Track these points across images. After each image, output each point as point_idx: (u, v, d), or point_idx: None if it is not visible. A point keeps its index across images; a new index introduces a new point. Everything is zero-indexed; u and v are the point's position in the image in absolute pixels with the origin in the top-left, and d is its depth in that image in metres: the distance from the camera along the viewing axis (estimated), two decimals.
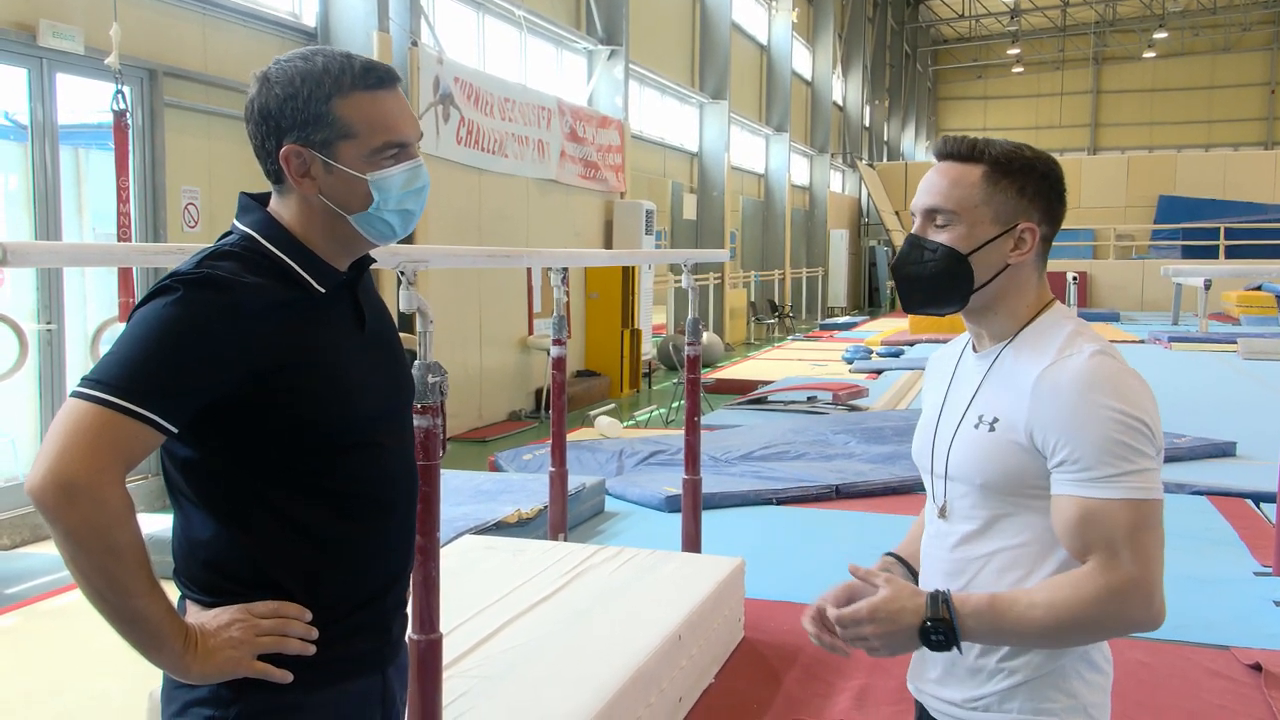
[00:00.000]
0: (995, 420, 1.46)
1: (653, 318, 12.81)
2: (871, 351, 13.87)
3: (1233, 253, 22.62)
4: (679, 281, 4.34)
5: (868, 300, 28.13)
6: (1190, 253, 23.20)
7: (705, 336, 11.15)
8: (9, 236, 5.60)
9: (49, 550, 5.29)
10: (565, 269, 3.97)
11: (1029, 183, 1.49)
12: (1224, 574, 4.64)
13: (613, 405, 10.42)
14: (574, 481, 5.32)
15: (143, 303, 1.33)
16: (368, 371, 1.47)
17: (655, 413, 10.18)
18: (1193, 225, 23.83)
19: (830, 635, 1.49)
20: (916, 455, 1.63)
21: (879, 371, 12.04)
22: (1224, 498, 5.93)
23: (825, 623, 1.50)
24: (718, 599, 3.59)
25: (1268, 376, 10.79)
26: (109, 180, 5.51)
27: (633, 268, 11.49)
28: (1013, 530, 1.47)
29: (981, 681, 1.50)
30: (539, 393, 10.19)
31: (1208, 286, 13.90)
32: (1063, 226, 1.57)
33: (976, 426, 1.49)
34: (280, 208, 1.46)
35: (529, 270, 9.64)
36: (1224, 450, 7.14)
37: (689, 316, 4.34)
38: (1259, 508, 5.79)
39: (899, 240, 25.84)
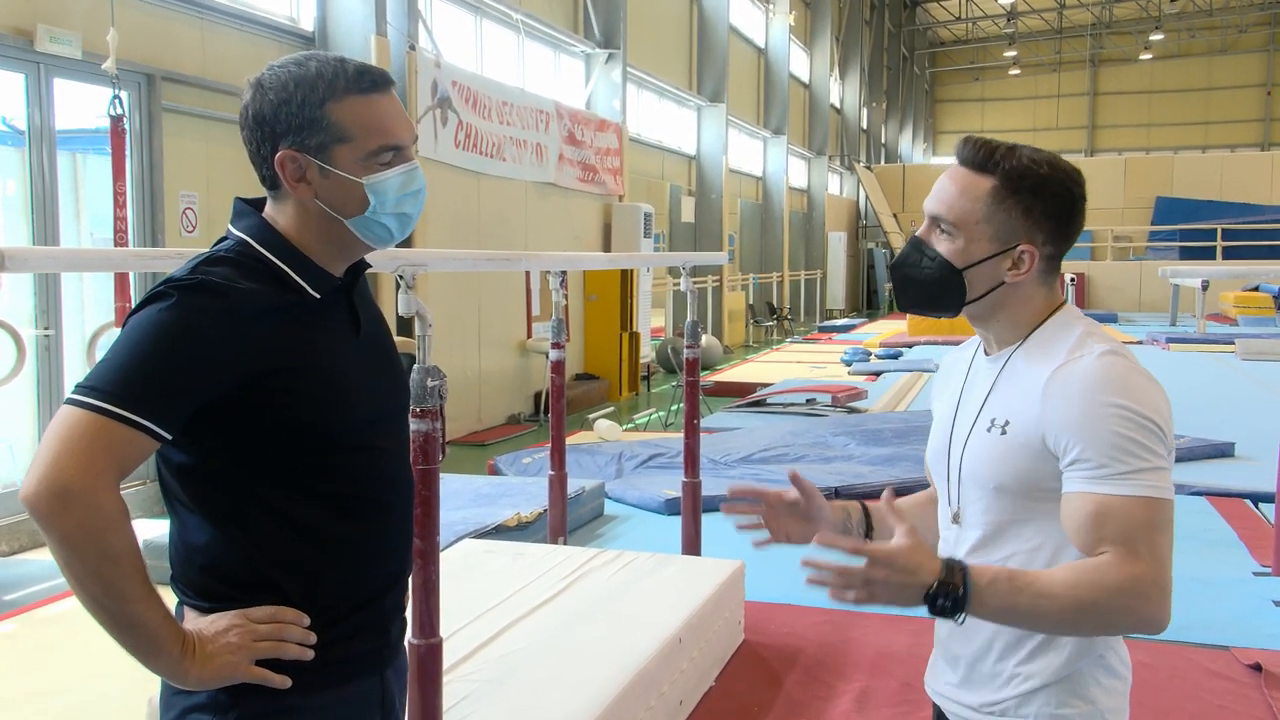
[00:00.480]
0: (1007, 423, 1.46)
1: (651, 320, 12.82)
2: (870, 354, 13.87)
3: (1230, 254, 22.63)
4: (677, 284, 4.34)
5: (866, 302, 28.14)
6: (1188, 254, 23.21)
7: (704, 339, 11.15)
8: (7, 242, 5.60)
9: (46, 557, 5.26)
10: (564, 272, 3.97)
11: (1037, 203, 1.45)
12: (1223, 574, 4.64)
13: (612, 408, 10.42)
14: (573, 485, 5.31)
15: (138, 309, 1.33)
16: (363, 375, 1.47)
17: (654, 415, 10.17)
18: (1190, 226, 23.85)
19: (832, 571, 1.37)
20: (931, 460, 1.62)
21: (878, 373, 12.04)
22: (1223, 498, 5.93)
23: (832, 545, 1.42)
24: (718, 602, 3.59)
25: (1266, 377, 10.79)
26: (107, 185, 5.51)
27: (631, 270, 11.49)
28: (1026, 534, 1.47)
29: (999, 686, 1.49)
30: (538, 396, 10.18)
31: (1205, 287, 13.90)
32: None
33: (989, 430, 1.48)
34: (276, 213, 1.45)
35: (527, 273, 9.63)
36: (1222, 451, 7.14)
37: (688, 319, 4.33)
38: (1258, 508, 5.79)
39: (897, 242, 25.88)
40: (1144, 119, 36.96)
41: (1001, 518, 1.48)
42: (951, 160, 1.52)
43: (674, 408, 9.60)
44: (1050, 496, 1.43)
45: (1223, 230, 23.01)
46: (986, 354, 1.56)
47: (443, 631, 2.30)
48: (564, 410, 4.30)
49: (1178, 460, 6.76)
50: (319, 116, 1.39)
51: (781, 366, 13.41)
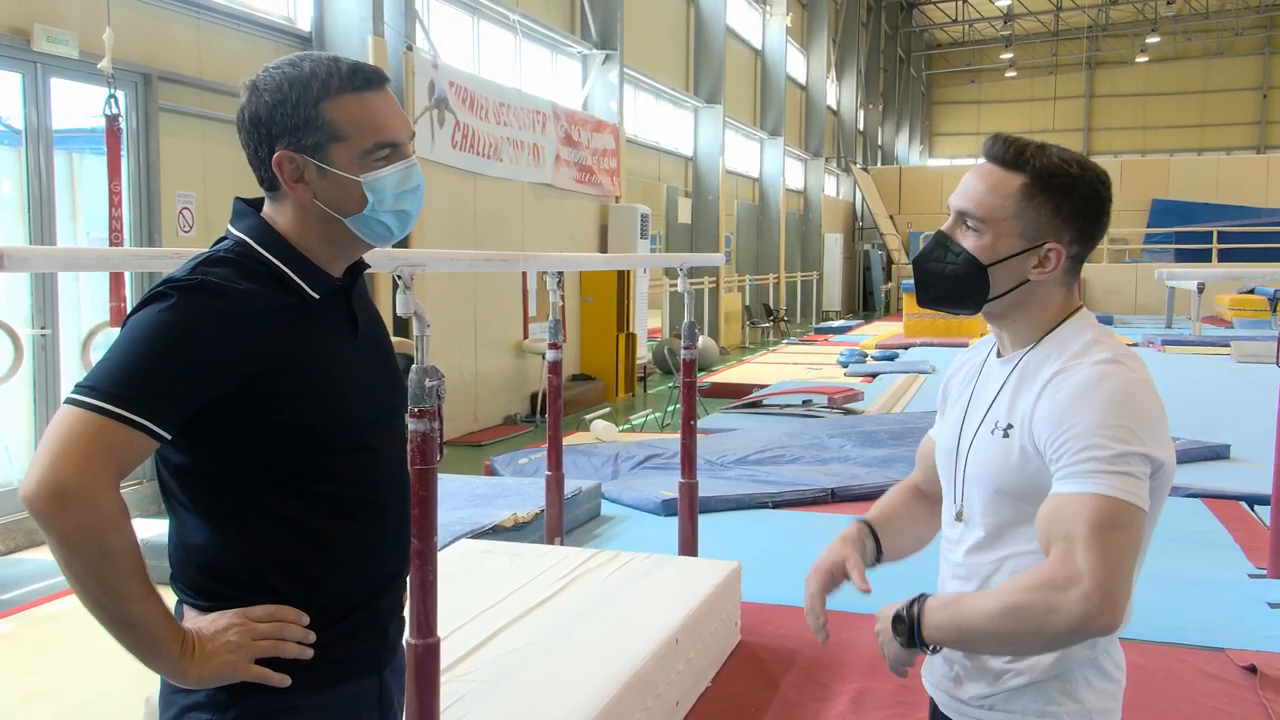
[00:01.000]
0: (1009, 427, 1.47)
1: (648, 322, 12.81)
2: (866, 355, 13.88)
3: (1225, 256, 22.66)
4: (674, 285, 4.35)
5: (862, 304, 28.16)
6: (1183, 256, 23.22)
7: (700, 340, 11.15)
8: (2, 242, 5.59)
9: (44, 556, 5.28)
10: (560, 273, 3.97)
11: (1066, 202, 1.45)
12: (1218, 576, 4.65)
13: (608, 409, 10.42)
14: (570, 485, 5.32)
15: (137, 308, 1.34)
16: (361, 376, 1.47)
17: (651, 416, 10.18)
18: (1186, 229, 23.87)
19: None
20: (941, 459, 1.63)
21: (874, 375, 12.04)
22: (1218, 500, 5.94)
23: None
24: (714, 602, 3.59)
25: (1261, 379, 10.81)
26: (103, 185, 5.50)
27: (628, 272, 11.49)
28: (1025, 536, 1.47)
29: (990, 681, 1.51)
30: (534, 397, 10.18)
31: (1201, 290, 13.91)
32: None
33: (993, 432, 1.49)
34: (275, 213, 1.46)
35: (524, 274, 9.63)
36: (1218, 453, 7.16)
37: (684, 320, 4.34)
38: (1253, 510, 5.80)
39: (893, 244, 25.92)
40: (1140, 121, 37.03)
41: (1002, 519, 1.49)
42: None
43: (670, 409, 9.60)
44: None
45: (1218, 233, 23.05)
46: (999, 355, 1.57)
47: (440, 631, 2.31)
48: (560, 411, 4.30)
49: None
50: (314, 116, 1.39)
51: (778, 368, 13.41)
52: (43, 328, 5.67)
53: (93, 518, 1.24)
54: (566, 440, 7.23)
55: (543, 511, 4.63)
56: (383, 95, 1.44)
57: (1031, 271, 1.47)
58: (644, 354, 12.42)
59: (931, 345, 14.64)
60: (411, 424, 2.11)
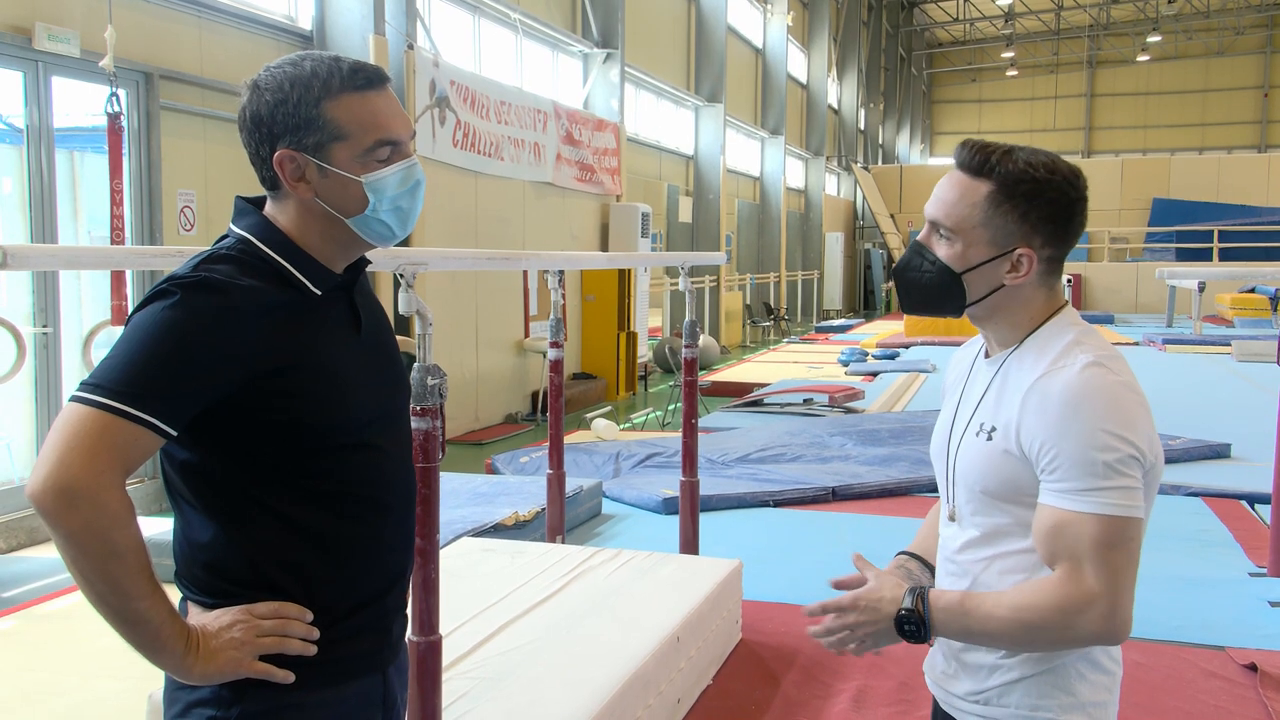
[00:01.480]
0: (993, 429, 1.48)
1: (649, 320, 12.81)
2: (867, 354, 13.88)
3: (1226, 255, 22.67)
4: (675, 284, 4.35)
5: (863, 303, 28.16)
6: (1184, 255, 23.22)
7: (701, 339, 11.15)
8: (4, 240, 5.60)
9: (46, 553, 5.29)
10: (561, 272, 3.97)
11: (1034, 208, 1.45)
12: (1219, 575, 4.66)
13: (609, 408, 10.42)
14: (571, 484, 5.32)
15: (140, 307, 1.34)
16: (364, 374, 1.47)
17: (652, 415, 10.18)
18: (1187, 228, 23.87)
19: (822, 631, 1.55)
20: (933, 457, 1.65)
21: (875, 374, 12.05)
22: (1219, 499, 5.94)
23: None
24: (715, 601, 3.60)
25: (1261, 378, 10.81)
26: (105, 183, 5.50)
27: (629, 270, 11.50)
28: (1014, 536, 1.49)
29: (984, 676, 1.52)
30: (535, 395, 10.19)
31: (1201, 289, 13.93)
32: None
33: (978, 434, 1.51)
34: (277, 212, 1.46)
35: (525, 273, 9.63)
36: (1218, 452, 7.16)
37: (686, 319, 4.34)
38: (1254, 509, 5.81)
39: (894, 243, 25.90)
40: (1141, 120, 37.01)
41: (991, 519, 1.51)
42: (949, 161, 1.54)
43: (671, 407, 9.61)
44: (1033, 501, 1.45)
45: (1219, 232, 23.05)
46: (987, 356, 1.58)
47: (442, 629, 2.31)
48: (562, 409, 4.31)
49: (1175, 461, 6.81)
50: (315, 115, 1.39)
51: (779, 366, 13.42)
52: (44, 326, 5.68)
53: (99, 515, 1.25)
54: (568, 439, 7.24)
55: (544, 510, 4.64)
56: (384, 94, 1.44)
57: (1005, 277, 1.48)
58: (645, 353, 12.43)
59: (932, 344, 14.64)
60: (414, 422, 2.11)
